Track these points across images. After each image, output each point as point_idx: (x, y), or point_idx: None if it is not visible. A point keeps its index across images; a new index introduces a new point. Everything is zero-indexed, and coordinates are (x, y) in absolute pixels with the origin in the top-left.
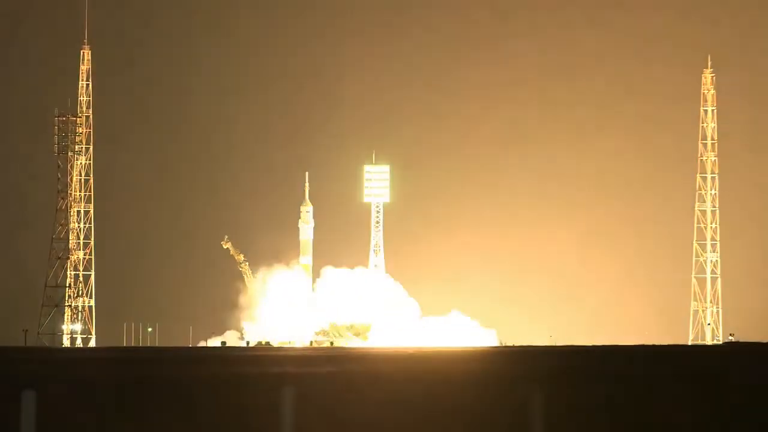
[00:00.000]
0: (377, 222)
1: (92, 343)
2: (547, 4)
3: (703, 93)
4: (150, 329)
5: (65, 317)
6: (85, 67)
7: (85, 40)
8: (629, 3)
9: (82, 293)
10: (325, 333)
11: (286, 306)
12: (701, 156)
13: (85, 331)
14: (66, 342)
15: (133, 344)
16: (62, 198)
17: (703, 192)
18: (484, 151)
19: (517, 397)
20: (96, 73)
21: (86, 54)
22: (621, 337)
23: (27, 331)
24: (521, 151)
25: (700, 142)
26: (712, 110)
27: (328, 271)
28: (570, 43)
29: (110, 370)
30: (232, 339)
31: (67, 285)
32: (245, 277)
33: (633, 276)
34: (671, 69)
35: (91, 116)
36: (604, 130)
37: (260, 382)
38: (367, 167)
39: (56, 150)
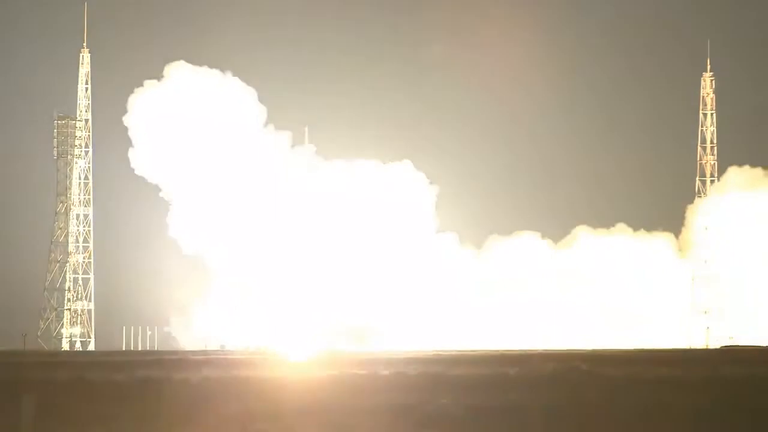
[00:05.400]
0: None
1: (92, 347)
2: (544, 4)
3: (703, 96)
4: (150, 333)
5: (64, 321)
6: (84, 69)
7: (85, 43)
8: (628, 4)
9: (82, 296)
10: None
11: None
12: (700, 159)
13: (84, 335)
14: (65, 345)
15: (132, 348)
16: (61, 201)
17: (702, 195)
18: (480, 148)
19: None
20: (96, 76)
21: (86, 56)
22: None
23: (26, 335)
24: (517, 152)
25: (699, 145)
26: (712, 114)
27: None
28: (567, 44)
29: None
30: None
31: (67, 288)
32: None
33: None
34: (670, 71)
35: (90, 119)
36: (602, 132)
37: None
38: None
39: (55, 153)
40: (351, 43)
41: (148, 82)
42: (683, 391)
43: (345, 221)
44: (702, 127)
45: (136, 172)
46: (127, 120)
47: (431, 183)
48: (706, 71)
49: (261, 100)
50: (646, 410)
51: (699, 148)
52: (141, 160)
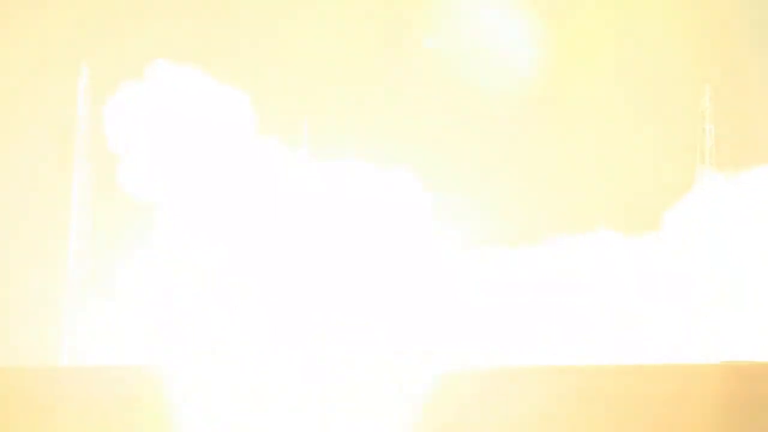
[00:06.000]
0: None
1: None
2: (545, 7)
3: (702, 109)
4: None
5: (63, 332)
6: (84, 82)
7: (84, 56)
8: (625, 14)
9: (83, 307)
10: None
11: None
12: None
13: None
14: (65, 358)
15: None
16: (60, 213)
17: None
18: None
19: None
20: (95, 89)
21: (85, 69)
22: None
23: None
24: (516, 157)
25: (698, 155)
26: (711, 127)
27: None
28: (564, 51)
29: None
30: None
31: (66, 300)
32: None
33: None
34: (669, 83)
35: (89, 132)
36: (600, 136)
37: None
38: None
39: (55, 164)
40: (349, 41)
41: (125, 84)
42: None
43: (340, 225)
44: (701, 140)
45: (121, 184)
46: (107, 127)
47: (430, 187)
48: (706, 83)
49: (253, 101)
50: None
51: (698, 157)
52: (126, 170)
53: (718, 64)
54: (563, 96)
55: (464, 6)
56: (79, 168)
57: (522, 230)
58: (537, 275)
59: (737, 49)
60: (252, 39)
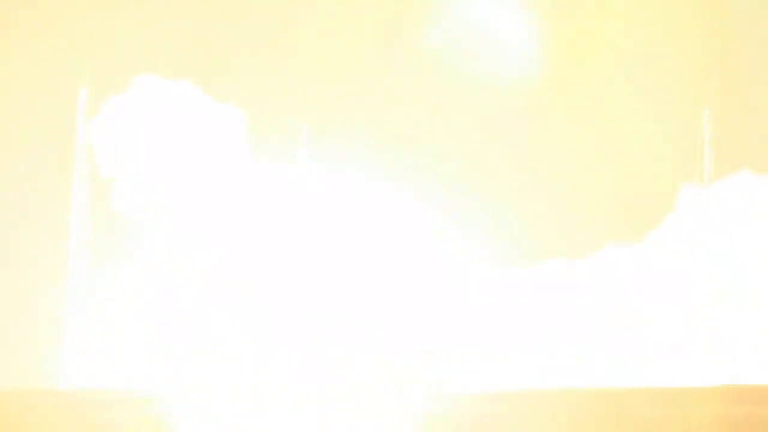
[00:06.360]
0: None
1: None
2: (545, 13)
3: (702, 133)
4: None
5: (63, 352)
6: (83, 103)
7: (83, 77)
8: (626, 33)
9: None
10: None
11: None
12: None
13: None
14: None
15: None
16: (62, 232)
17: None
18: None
19: None
20: (94, 111)
21: (84, 92)
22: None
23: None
24: (515, 160)
25: (697, 177)
26: (710, 150)
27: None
28: (564, 53)
29: None
30: None
31: (66, 321)
32: None
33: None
34: (670, 85)
35: (89, 153)
36: (600, 144)
37: None
38: None
39: (56, 183)
40: (348, 42)
41: (110, 101)
42: None
43: (339, 228)
44: (701, 162)
45: (114, 207)
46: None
47: (430, 189)
48: (706, 108)
49: (251, 103)
50: None
51: (698, 179)
52: (118, 192)
53: (718, 66)
54: (565, 97)
55: (464, 6)
56: (78, 181)
57: (522, 231)
58: (537, 276)
59: (738, 51)
60: (249, 41)
